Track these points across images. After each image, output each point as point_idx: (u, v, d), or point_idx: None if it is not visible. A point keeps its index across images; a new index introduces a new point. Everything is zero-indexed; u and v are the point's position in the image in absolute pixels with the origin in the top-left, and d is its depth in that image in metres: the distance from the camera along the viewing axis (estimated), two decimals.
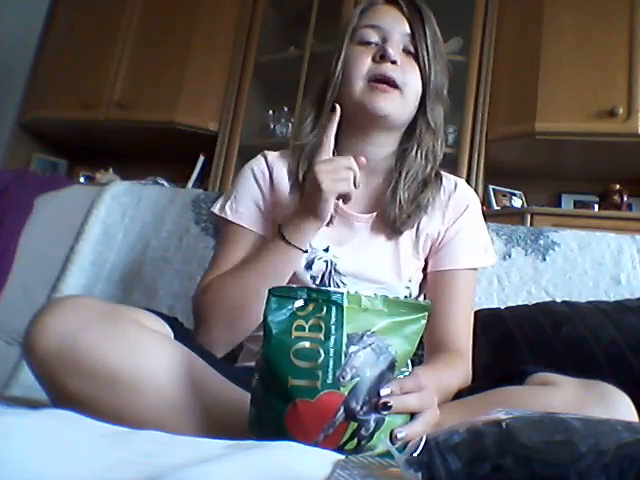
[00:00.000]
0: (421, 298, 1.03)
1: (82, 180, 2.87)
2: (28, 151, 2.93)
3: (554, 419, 0.45)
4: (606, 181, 2.26)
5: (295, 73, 2.50)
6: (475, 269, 1.01)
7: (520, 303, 1.25)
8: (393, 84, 0.92)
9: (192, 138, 2.63)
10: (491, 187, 2.46)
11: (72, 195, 1.62)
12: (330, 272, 0.96)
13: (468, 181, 2.27)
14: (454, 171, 2.27)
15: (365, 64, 0.93)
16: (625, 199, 2.22)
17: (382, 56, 0.92)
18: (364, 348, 0.61)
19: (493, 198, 2.44)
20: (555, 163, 2.43)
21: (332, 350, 0.60)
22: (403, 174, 0.96)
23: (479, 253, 1.01)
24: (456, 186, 1.03)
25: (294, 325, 0.62)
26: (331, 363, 0.59)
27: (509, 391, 0.76)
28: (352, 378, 0.59)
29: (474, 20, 2.40)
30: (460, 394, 0.84)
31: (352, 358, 0.60)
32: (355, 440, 0.60)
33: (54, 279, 1.45)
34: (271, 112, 2.72)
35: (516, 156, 2.39)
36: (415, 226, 0.98)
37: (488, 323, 1.16)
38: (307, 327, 0.61)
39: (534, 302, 1.23)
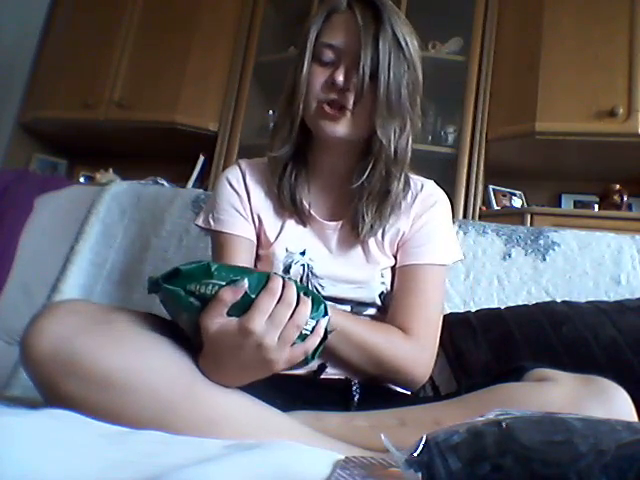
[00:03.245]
0: None
1: (82, 180, 2.87)
2: (28, 151, 2.93)
3: (554, 419, 0.45)
4: (606, 181, 2.26)
5: None
6: (441, 265, 1.00)
7: (520, 303, 1.25)
8: (342, 108, 0.92)
9: (192, 138, 2.63)
10: (491, 187, 2.47)
11: (72, 195, 1.62)
12: (307, 275, 0.97)
13: (468, 181, 2.27)
14: (454, 171, 2.27)
15: (318, 87, 0.93)
16: (625, 199, 2.22)
17: (333, 82, 0.91)
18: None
19: (493, 198, 2.45)
20: (555, 163, 2.43)
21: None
22: (365, 190, 0.96)
23: (442, 250, 1.01)
24: (422, 187, 1.03)
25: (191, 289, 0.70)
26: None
27: (507, 387, 0.76)
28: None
29: (474, 20, 2.40)
30: (458, 392, 0.84)
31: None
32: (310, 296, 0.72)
33: (54, 279, 1.45)
34: (271, 112, 2.72)
35: (516, 156, 2.39)
36: (380, 233, 0.99)
37: (488, 323, 1.16)
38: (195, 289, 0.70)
39: (534, 302, 1.23)
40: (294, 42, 2.63)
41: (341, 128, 0.93)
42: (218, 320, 0.69)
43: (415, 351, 0.93)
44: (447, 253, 1.02)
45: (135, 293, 1.41)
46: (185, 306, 0.70)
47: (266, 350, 0.68)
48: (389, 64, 0.91)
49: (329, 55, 0.93)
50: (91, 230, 1.49)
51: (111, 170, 2.69)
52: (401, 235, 1.01)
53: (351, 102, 0.91)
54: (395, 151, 0.94)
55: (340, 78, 0.90)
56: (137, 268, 1.44)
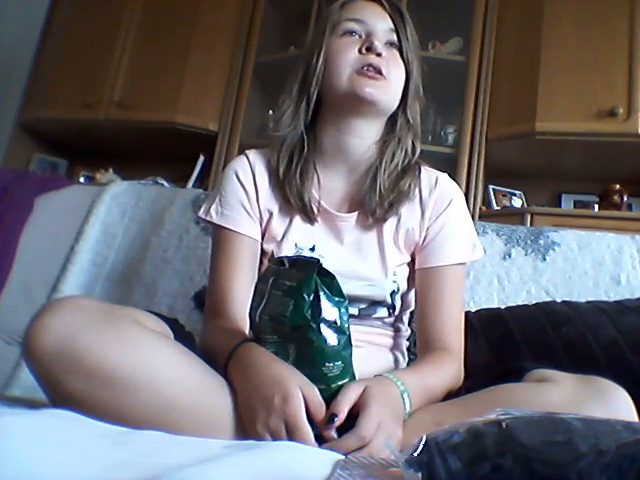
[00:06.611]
0: (411, 294, 1.03)
1: (82, 180, 2.87)
2: (28, 151, 2.93)
3: (554, 419, 0.45)
4: (606, 181, 2.26)
5: None
6: (463, 263, 1.00)
7: (520, 303, 1.25)
8: (381, 73, 0.95)
9: (192, 138, 2.63)
10: (491, 187, 2.46)
11: (72, 195, 1.62)
12: None
13: (468, 181, 2.27)
14: (454, 171, 2.27)
15: (352, 54, 0.96)
16: (625, 199, 2.22)
17: (368, 48, 0.95)
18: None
19: (493, 198, 2.44)
20: (555, 163, 2.43)
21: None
22: (383, 163, 0.98)
23: (466, 248, 1.01)
24: (437, 181, 1.02)
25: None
26: None
27: (507, 388, 0.75)
28: None
29: (474, 20, 2.40)
30: (459, 392, 0.84)
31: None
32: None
33: (54, 279, 1.45)
34: (271, 112, 2.72)
35: (516, 156, 2.39)
36: (397, 215, 0.99)
37: (488, 323, 1.16)
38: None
39: (534, 302, 1.23)
40: (294, 42, 2.63)
41: (380, 93, 0.95)
42: (296, 381, 0.69)
43: (460, 368, 0.94)
44: (469, 250, 1.01)
45: (135, 293, 1.41)
46: (301, 300, 0.69)
47: (269, 413, 0.68)
48: (414, 49, 1.00)
49: (356, 29, 0.98)
50: (91, 230, 1.49)
51: (111, 170, 2.69)
52: (418, 233, 0.99)
53: (386, 68, 0.96)
54: (416, 133, 1.01)
55: (377, 43, 0.95)
56: (137, 268, 1.44)
